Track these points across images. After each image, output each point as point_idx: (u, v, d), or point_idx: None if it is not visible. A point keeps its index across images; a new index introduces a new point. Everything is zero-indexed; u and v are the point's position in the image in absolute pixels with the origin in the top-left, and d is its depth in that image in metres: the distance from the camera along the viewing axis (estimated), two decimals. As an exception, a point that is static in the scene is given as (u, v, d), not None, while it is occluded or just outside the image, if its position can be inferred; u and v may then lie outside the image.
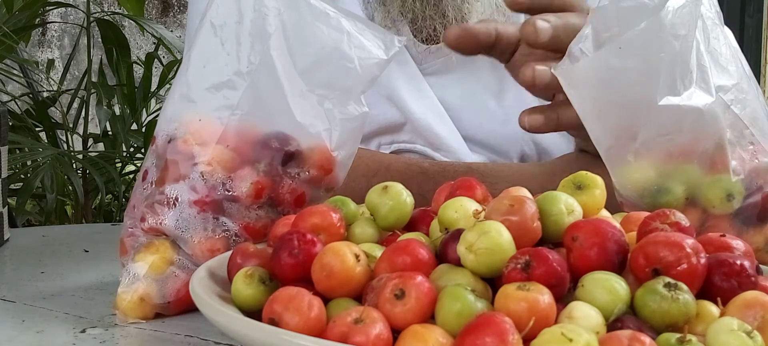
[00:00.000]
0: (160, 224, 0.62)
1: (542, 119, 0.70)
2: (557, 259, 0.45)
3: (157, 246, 0.62)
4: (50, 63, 2.37)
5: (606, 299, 0.44)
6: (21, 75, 2.16)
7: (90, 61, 2.04)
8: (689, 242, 0.45)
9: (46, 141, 2.06)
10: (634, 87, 0.60)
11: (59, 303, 0.67)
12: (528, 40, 0.69)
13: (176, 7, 3.21)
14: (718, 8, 0.65)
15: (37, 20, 2.27)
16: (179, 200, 0.62)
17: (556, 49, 0.68)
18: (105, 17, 2.10)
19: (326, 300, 0.48)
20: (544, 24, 0.68)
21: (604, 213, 0.55)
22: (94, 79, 2.05)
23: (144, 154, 1.98)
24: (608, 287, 0.44)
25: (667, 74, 0.59)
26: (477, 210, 0.52)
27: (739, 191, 0.62)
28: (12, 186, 1.87)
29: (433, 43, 0.96)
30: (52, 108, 2.13)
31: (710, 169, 0.62)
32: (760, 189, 0.63)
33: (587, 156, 0.82)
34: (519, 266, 0.45)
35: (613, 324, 0.43)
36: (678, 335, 0.40)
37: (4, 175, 0.87)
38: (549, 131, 0.71)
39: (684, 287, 0.43)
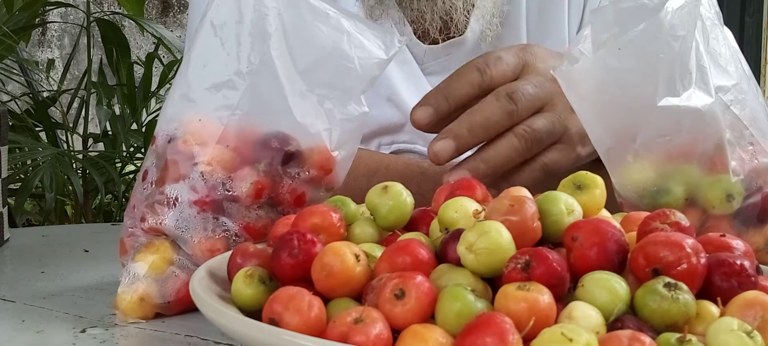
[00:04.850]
0: (160, 224, 0.62)
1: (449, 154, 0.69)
2: (557, 259, 0.45)
3: (157, 246, 0.62)
4: (50, 63, 2.37)
5: (606, 299, 0.44)
6: (21, 75, 2.16)
7: (90, 61, 2.04)
8: (689, 242, 0.45)
9: (46, 141, 2.06)
10: (634, 88, 0.60)
11: (59, 303, 0.67)
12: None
13: (176, 7, 3.21)
14: (718, 8, 0.65)
15: (37, 20, 2.27)
16: (179, 200, 0.62)
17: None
18: (105, 17, 2.10)
19: (326, 300, 0.47)
20: (441, 146, 0.68)
21: (604, 213, 0.55)
22: (94, 79, 2.05)
23: (144, 154, 1.98)
24: (608, 287, 0.44)
25: (666, 75, 0.59)
26: (477, 210, 0.52)
27: (739, 191, 0.62)
28: (11, 186, 1.87)
29: (434, 43, 0.96)
30: (52, 108, 2.13)
31: (710, 169, 0.62)
32: (760, 189, 0.63)
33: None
34: (519, 266, 0.45)
35: (613, 324, 0.43)
36: (678, 335, 0.40)
37: (4, 175, 0.87)
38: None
39: (684, 287, 0.43)
